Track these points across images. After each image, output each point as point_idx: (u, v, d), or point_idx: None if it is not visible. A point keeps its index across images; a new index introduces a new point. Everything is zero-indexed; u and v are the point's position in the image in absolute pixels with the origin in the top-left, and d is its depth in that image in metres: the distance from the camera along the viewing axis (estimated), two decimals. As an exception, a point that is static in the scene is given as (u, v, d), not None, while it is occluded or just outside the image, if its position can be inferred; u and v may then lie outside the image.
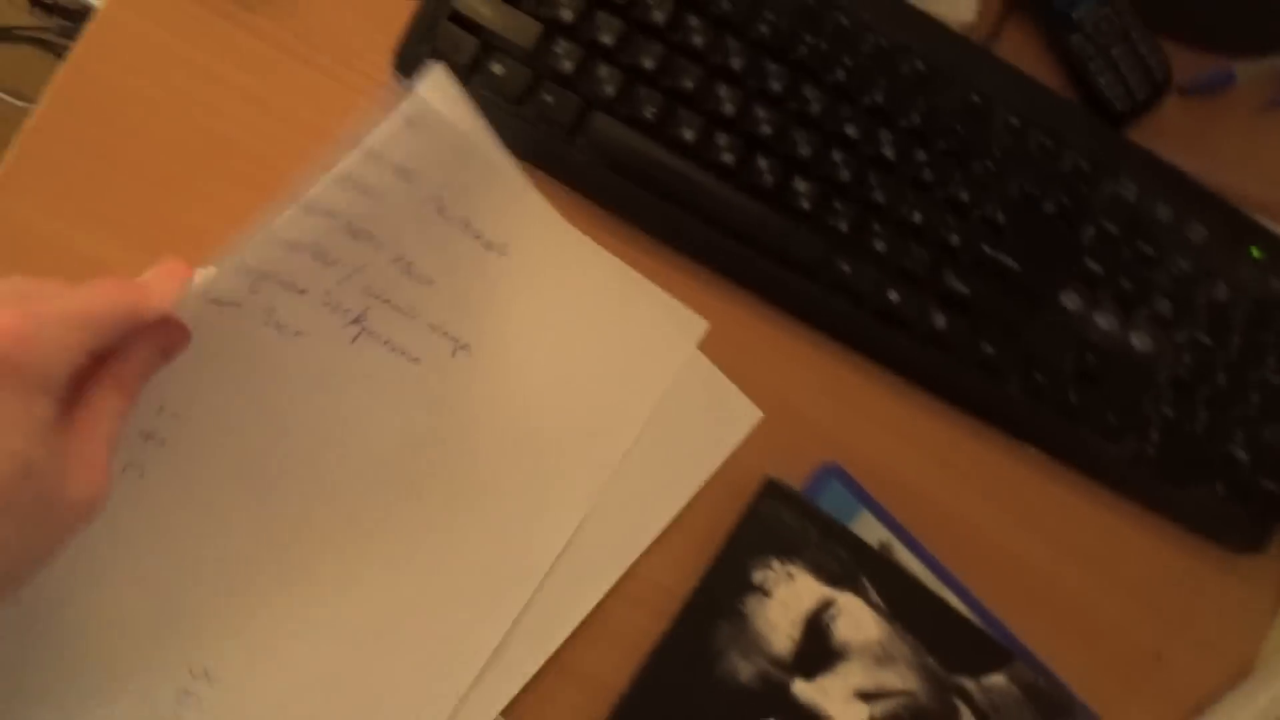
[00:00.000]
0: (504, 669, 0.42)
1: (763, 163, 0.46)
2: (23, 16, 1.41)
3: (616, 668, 0.43)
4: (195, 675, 0.39)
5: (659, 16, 0.46)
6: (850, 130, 0.47)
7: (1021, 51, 0.51)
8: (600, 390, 0.44)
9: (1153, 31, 0.52)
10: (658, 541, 0.45)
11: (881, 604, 0.44)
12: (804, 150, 0.46)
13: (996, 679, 0.45)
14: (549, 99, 0.44)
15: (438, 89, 0.39)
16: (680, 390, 0.45)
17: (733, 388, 0.45)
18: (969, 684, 0.44)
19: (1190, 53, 0.53)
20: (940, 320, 0.46)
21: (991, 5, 0.51)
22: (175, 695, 0.39)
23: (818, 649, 0.44)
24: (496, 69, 0.44)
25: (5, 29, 1.43)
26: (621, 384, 0.44)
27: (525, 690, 0.42)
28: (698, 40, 0.46)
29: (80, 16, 1.41)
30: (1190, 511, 0.49)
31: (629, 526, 0.44)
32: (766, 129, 0.46)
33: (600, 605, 0.44)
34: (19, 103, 1.38)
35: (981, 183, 0.48)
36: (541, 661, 0.42)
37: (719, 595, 0.43)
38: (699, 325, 0.45)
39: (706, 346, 0.46)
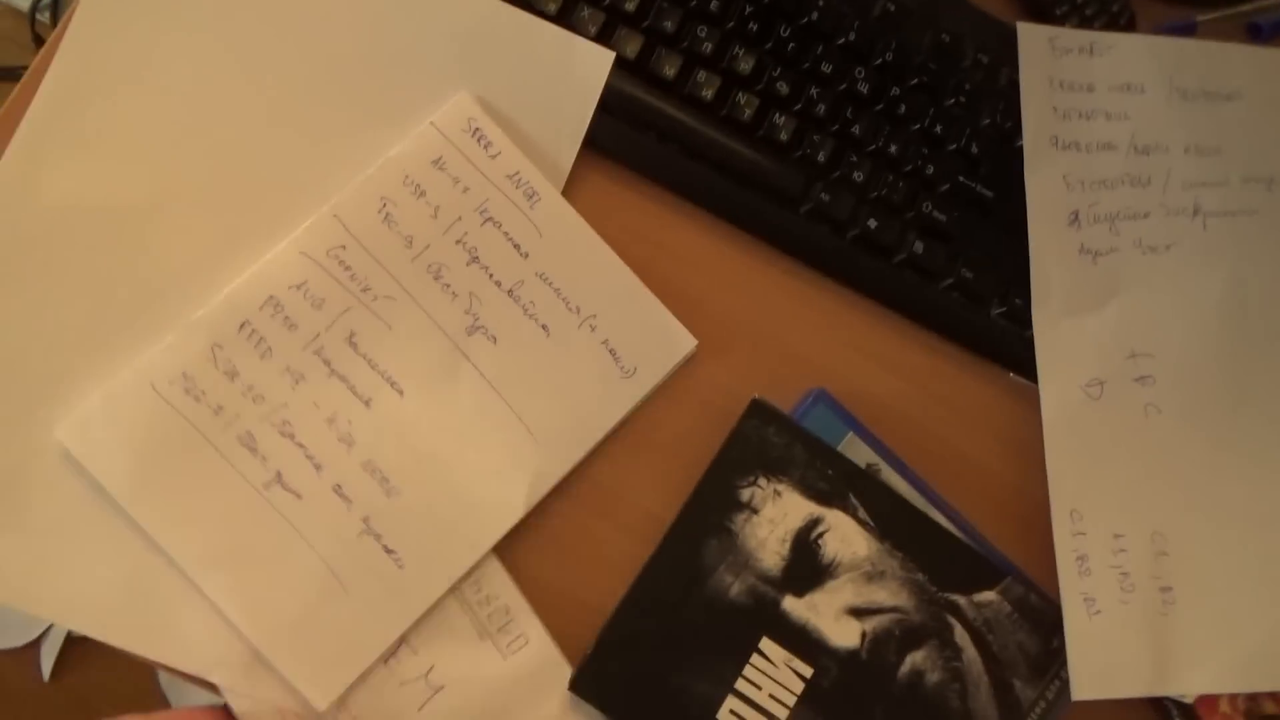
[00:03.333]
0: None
1: (741, 98, 0.47)
2: (27, 56, 1.45)
3: (607, 593, 0.43)
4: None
5: (638, -37, 0.48)
6: (825, 67, 0.48)
7: (989, -2, 0.53)
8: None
9: (1116, -18, 0.54)
10: (648, 468, 0.45)
11: (870, 522, 0.44)
12: (781, 86, 0.48)
13: (988, 595, 0.45)
14: (533, 38, 0.46)
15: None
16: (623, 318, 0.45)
17: (670, 317, 0.45)
18: (960, 600, 0.44)
19: (1152, 2, 0.55)
20: (919, 246, 0.47)
21: (959, -44, 0.53)
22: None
23: (807, 566, 0.44)
24: (482, 10, 0.46)
25: (9, 68, 1.47)
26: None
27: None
28: (676, -16, 0.48)
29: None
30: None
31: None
32: (744, 66, 0.47)
33: (591, 532, 0.45)
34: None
35: (954, 116, 0.49)
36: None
37: (707, 512, 0.44)
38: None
39: (699, 277, 0.47)
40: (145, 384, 0.40)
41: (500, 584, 0.42)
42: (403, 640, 0.41)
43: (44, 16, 1.41)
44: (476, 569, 0.42)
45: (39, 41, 1.43)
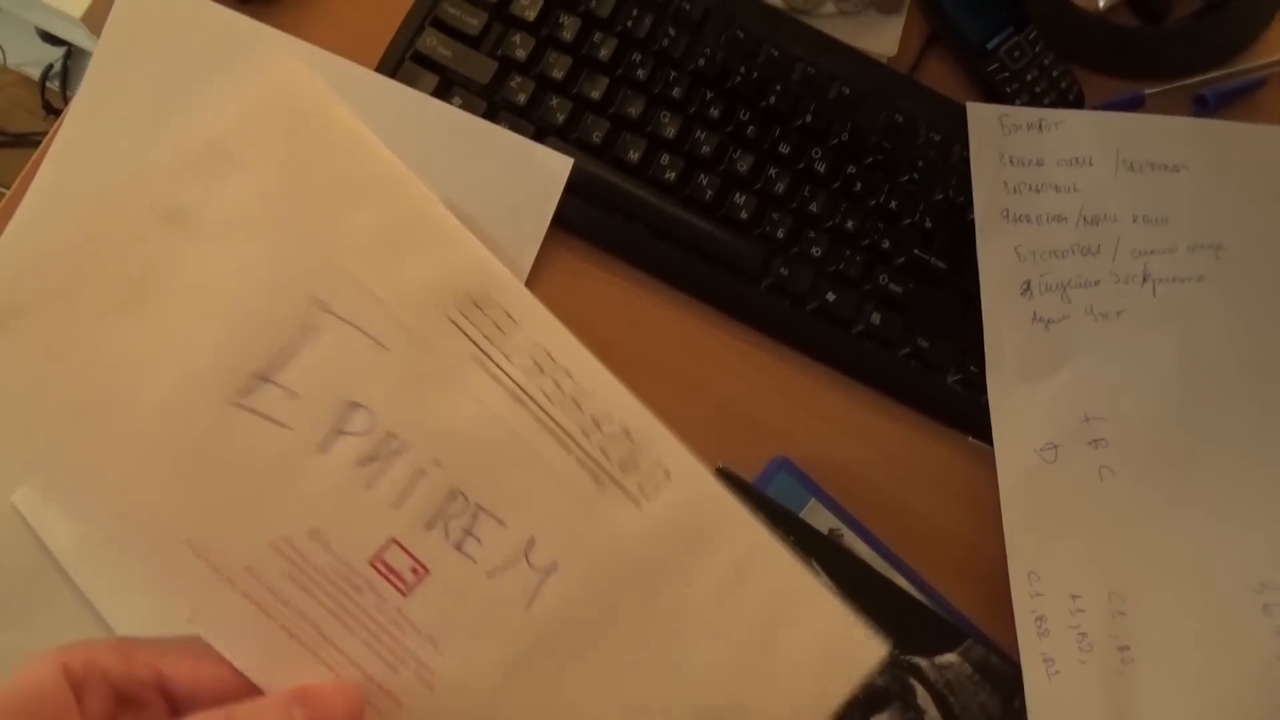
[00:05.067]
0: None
1: (703, 179, 0.50)
2: (38, 123, 1.50)
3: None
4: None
5: (604, 53, 0.50)
6: (784, 148, 0.51)
7: (942, 79, 0.56)
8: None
9: (1064, 59, 0.56)
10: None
11: (832, 587, 0.46)
12: (741, 167, 0.50)
13: (949, 657, 0.46)
14: (504, 127, 0.48)
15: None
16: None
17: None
18: (923, 663, 0.46)
19: (1100, 77, 0.58)
20: (877, 317, 0.49)
21: (912, 39, 0.56)
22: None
23: (772, 631, 0.45)
24: (456, 101, 0.48)
25: (21, 135, 1.51)
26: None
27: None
28: (640, 73, 0.50)
29: (91, 120, 1.48)
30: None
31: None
32: (705, 149, 0.50)
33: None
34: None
35: (908, 192, 0.51)
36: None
37: (674, 580, 0.45)
38: None
39: (665, 350, 0.49)
40: None
41: (611, 399, 0.29)
42: (477, 510, 0.29)
43: (54, 84, 1.46)
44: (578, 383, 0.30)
45: (49, 108, 1.47)
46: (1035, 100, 0.55)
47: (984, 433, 0.49)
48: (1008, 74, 0.55)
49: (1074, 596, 0.47)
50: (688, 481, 0.30)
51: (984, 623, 0.48)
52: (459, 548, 0.28)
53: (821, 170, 0.51)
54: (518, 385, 0.29)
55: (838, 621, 0.29)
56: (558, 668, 0.28)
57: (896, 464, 0.50)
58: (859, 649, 0.29)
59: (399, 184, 0.30)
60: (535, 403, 0.29)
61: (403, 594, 0.27)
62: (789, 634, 0.29)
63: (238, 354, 0.27)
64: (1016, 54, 0.55)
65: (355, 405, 0.27)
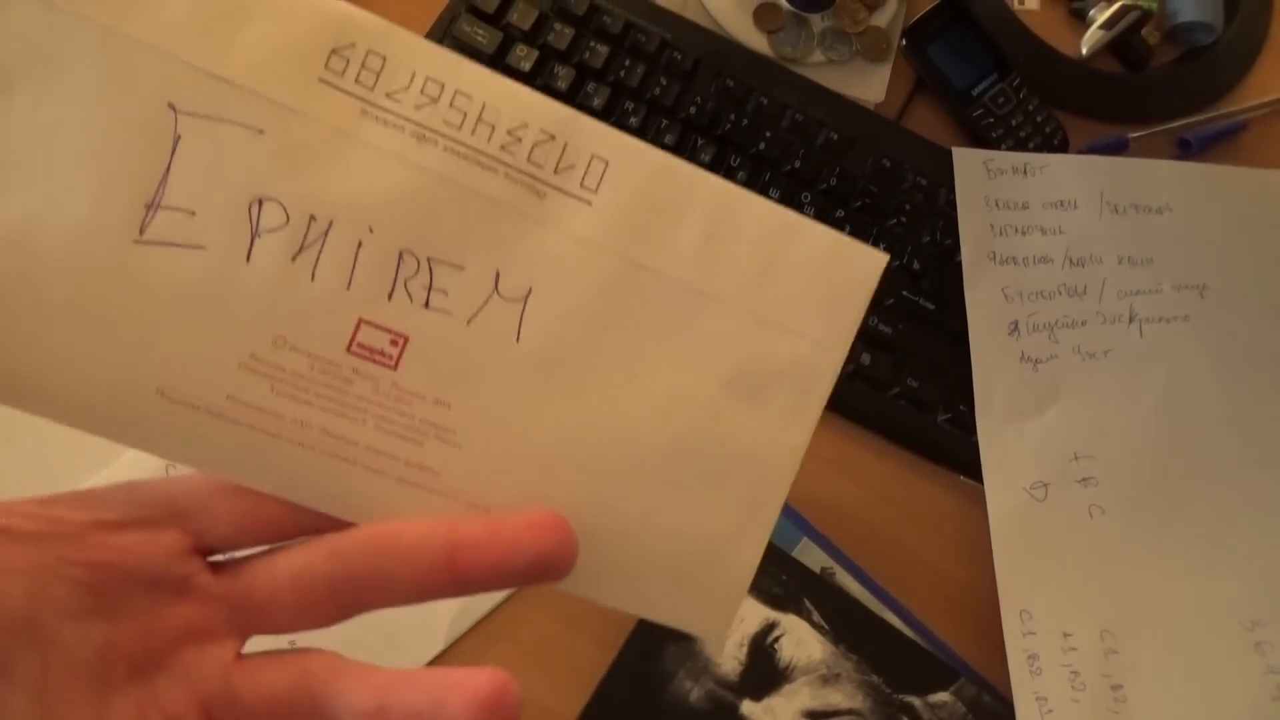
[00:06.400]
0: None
1: (695, 223, 0.51)
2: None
3: (568, 698, 0.45)
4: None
5: (598, 102, 0.52)
6: (773, 193, 0.52)
7: (928, 124, 0.57)
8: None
9: (1048, 105, 0.58)
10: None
11: (825, 625, 0.46)
12: (732, 211, 0.51)
13: (942, 696, 0.46)
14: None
15: None
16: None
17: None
18: (915, 702, 0.46)
19: (1084, 122, 0.59)
20: (867, 358, 0.50)
21: (899, 86, 0.57)
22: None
23: (764, 670, 0.45)
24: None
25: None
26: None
27: None
28: (633, 120, 0.52)
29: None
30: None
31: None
32: (697, 194, 0.51)
33: (556, 639, 0.46)
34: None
35: (896, 235, 0.52)
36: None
37: (667, 619, 0.45)
38: None
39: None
40: None
41: (520, 105, 0.26)
42: (430, 263, 0.27)
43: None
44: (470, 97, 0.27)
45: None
46: (1020, 145, 0.56)
47: (974, 471, 0.50)
48: (993, 119, 0.56)
49: (1066, 635, 0.47)
50: (629, 162, 0.27)
51: (977, 661, 0.48)
52: (428, 305, 0.26)
53: (811, 214, 0.52)
54: (416, 124, 0.26)
55: (828, 246, 0.27)
56: (572, 385, 0.27)
57: (888, 503, 0.50)
58: (859, 266, 0.27)
59: None
60: (442, 135, 0.26)
61: (391, 369, 0.26)
62: (783, 274, 0.27)
63: (117, 192, 0.25)
64: (1001, 100, 0.57)
65: (260, 201, 0.25)
